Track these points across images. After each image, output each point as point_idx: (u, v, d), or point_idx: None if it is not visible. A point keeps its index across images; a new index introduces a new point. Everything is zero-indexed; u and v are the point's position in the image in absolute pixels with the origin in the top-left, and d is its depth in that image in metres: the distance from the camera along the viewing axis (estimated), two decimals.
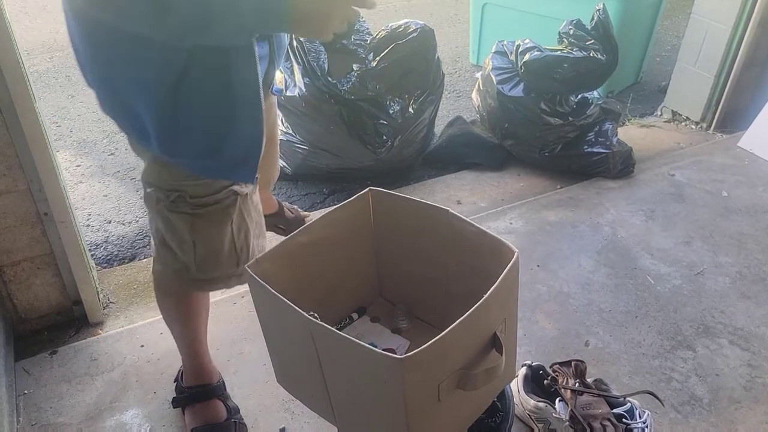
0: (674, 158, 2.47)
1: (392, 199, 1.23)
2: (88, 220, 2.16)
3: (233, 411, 1.38)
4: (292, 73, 2.14)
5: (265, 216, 1.88)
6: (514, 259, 1.00)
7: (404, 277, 1.35)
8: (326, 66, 2.09)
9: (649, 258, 1.91)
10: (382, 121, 2.16)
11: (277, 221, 1.88)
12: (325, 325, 0.93)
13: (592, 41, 2.21)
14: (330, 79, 2.09)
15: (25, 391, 1.46)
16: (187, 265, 1.16)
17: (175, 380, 1.45)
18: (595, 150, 2.29)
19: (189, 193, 1.08)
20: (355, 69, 2.12)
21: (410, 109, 2.21)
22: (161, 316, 1.35)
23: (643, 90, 3.19)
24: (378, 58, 2.13)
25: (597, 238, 2.00)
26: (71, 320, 1.64)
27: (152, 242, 1.20)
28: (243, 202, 1.13)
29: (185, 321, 1.33)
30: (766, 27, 2.42)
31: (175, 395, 1.42)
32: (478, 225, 1.12)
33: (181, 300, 1.29)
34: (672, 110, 2.79)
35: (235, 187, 1.10)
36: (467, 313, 0.90)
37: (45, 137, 1.38)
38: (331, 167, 2.28)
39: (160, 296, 1.30)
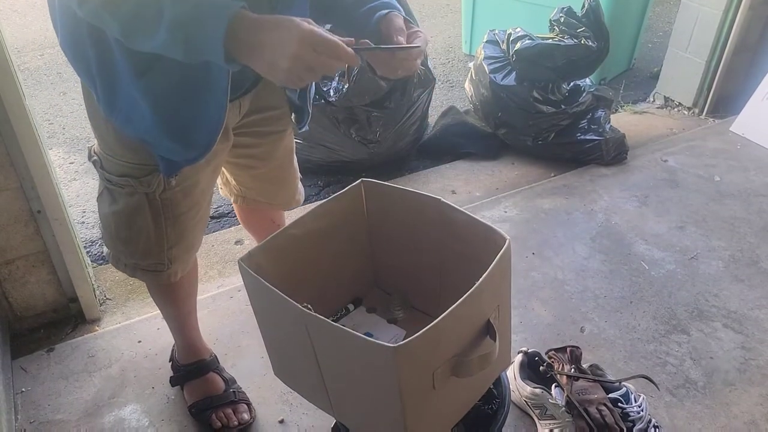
0: (667, 144, 2.47)
1: (385, 190, 1.23)
2: (82, 217, 2.16)
3: (230, 382, 1.42)
4: None
5: None
6: (505, 246, 1.00)
7: (399, 266, 1.35)
8: None
9: (643, 243, 1.91)
10: (375, 114, 2.16)
11: None
12: (319, 316, 0.93)
13: (583, 29, 2.21)
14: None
15: (23, 389, 1.46)
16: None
17: (170, 360, 1.48)
18: (588, 137, 2.29)
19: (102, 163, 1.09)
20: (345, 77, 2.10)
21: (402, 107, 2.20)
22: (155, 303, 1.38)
23: (635, 76, 3.19)
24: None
25: (591, 225, 2.01)
26: (68, 317, 1.64)
27: None
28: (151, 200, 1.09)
29: (171, 302, 1.34)
30: (756, 12, 2.43)
31: (172, 375, 1.45)
32: (470, 213, 1.12)
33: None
34: (664, 96, 2.80)
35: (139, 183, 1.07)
36: (459, 301, 0.90)
37: (36, 135, 1.38)
38: (325, 160, 2.28)
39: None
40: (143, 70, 0.90)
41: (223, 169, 1.33)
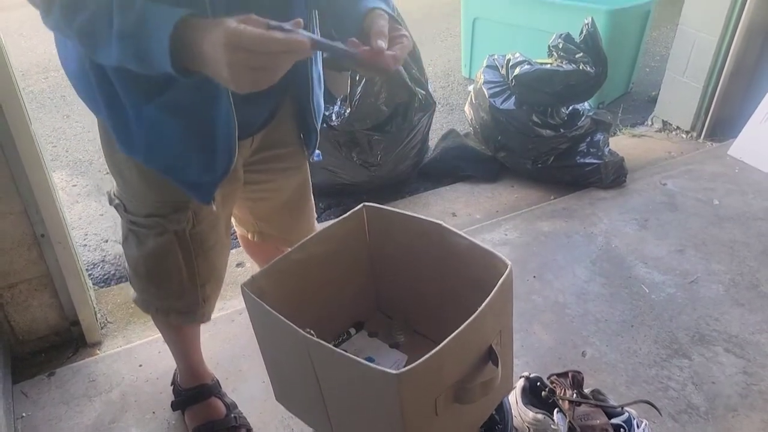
0: (665, 167, 2.49)
1: (386, 214, 1.24)
2: (84, 239, 2.16)
3: (231, 407, 1.42)
4: None
5: None
6: (507, 271, 1.01)
7: (400, 291, 1.36)
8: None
9: (643, 267, 1.92)
10: (376, 138, 2.18)
11: None
12: (322, 341, 0.93)
13: (582, 54, 2.24)
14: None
15: (24, 414, 1.45)
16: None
17: (172, 383, 1.48)
18: (587, 161, 2.31)
19: (125, 206, 1.08)
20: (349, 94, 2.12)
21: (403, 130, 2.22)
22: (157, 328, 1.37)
23: (633, 100, 3.22)
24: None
25: (591, 248, 2.02)
26: (69, 341, 1.64)
27: None
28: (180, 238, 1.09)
29: (174, 328, 1.34)
30: (751, 37, 2.46)
31: (173, 399, 1.44)
32: (470, 238, 1.13)
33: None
34: (662, 120, 2.82)
35: (168, 221, 1.07)
36: (462, 327, 0.91)
37: (41, 159, 1.39)
38: (326, 183, 2.29)
39: None
40: (161, 88, 0.89)
41: (237, 206, 1.31)
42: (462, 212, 2.26)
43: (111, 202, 1.12)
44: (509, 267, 1.02)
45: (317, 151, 1.25)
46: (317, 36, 0.77)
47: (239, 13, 0.71)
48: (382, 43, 0.82)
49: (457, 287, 1.21)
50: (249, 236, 1.40)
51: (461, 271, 1.18)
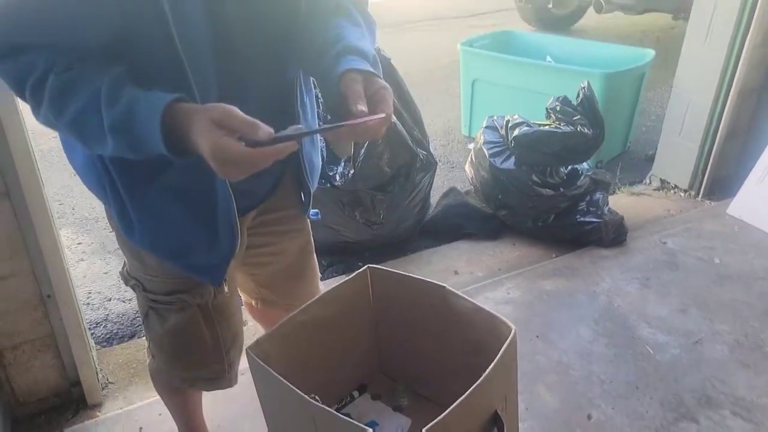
0: (665, 226, 2.51)
1: (390, 277, 1.26)
2: (88, 298, 2.16)
3: None
4: None
5: None
6: (511, 335, 1.02)
7: (404, 353, 1.35)
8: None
9: (647, 327, 1.92)
10: (379, 197, 2.22)
11: None
12: (327, 408, 0.93)
13: (579, 116, 2.31)
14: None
15: None
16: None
17: None
18: (587, 219, 2.34)
19: (144, 286, 1.09)
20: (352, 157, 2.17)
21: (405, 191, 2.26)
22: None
23: (631, 159, 3.28)
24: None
25: (594, 307, 2.02)
26: (69, 402, 1.62)
27: None
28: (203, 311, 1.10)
29: (177, 392, 1.33)
30: (745, 98, 2.53)
31: None
32: (474, 301, 1.14)
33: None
34: (660, 178, 2.86)
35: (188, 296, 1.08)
36: (467, 393, 0.90)
37: (51, 222, 1.42)
38: (329, 241, 2.32)
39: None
40: (157, 172, 0.91)
41: (240, 274, 1.30)
42: (464, 270, 2.27)
43: (127, 282, 1.13)
44: (513, 331, 1.03)
45: (314, 210, 1.26)
46: (297, 129, 0.80)
47: (231, 89, 0.79)
48: (363, 108, 0.83)
49: (460, 350, 1.21)
50: (253, 303, 1.40)
51: (465, 334, 1.18)
